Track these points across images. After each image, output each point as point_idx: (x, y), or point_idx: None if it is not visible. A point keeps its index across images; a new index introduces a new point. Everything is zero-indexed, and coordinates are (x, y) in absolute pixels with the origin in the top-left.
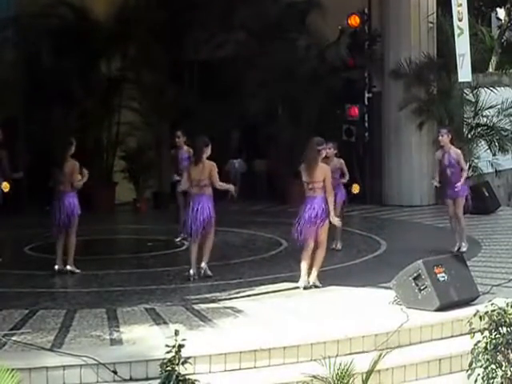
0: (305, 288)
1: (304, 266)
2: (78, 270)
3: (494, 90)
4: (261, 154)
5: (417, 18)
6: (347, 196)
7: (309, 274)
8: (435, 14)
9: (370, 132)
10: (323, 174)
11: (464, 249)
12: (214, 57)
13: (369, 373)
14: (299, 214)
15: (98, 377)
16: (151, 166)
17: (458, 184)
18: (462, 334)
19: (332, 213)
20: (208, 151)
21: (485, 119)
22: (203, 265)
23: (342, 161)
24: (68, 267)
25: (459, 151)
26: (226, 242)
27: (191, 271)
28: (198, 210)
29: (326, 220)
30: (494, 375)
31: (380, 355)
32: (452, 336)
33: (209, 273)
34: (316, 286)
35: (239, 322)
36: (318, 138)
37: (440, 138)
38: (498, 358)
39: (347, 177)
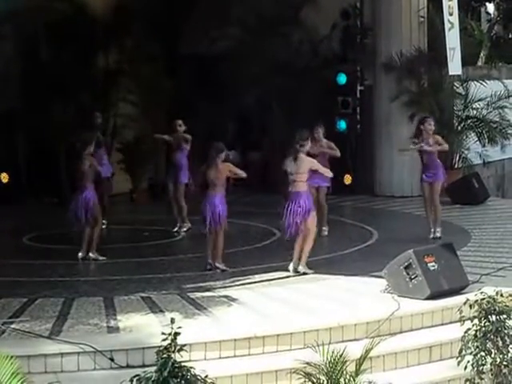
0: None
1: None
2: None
3: (483, 83)
4: (255, 146)
5: (408, 12)
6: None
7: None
8: (426, 9)
9: (361, 124)
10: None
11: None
12: (210, 51)
13: (361, 360)
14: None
15: (96, 364)
16: (147, 157)
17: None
18: (452, 322)
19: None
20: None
21: (474, 111)
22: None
23: None
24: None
25: (331, 143)
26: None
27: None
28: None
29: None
30: (483, 362)
31: (373, 342)
32: (442, 324)
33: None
34: (305, 273)
35: (234, 311)
36: (302, 133)
37: (316, 135)
38: (488, 345)
39: None
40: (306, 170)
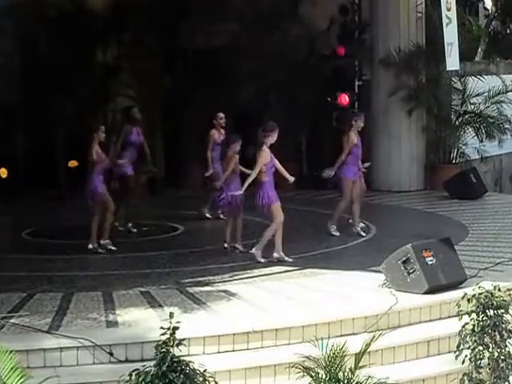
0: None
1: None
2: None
3: (481, 78)
4: (253, 141)
5: (406, 7)
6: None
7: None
8: (424, 4)
9: None
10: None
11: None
12: (208, 45)
13: (360, 354)
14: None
15: (95, 358)
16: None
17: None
18: (449, 317)
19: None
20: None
21: (472, 107)
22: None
23: None
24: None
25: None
26: (220, 227)
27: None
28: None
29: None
30: (481, 356)
31: (372, 337)
32: (440, 318)
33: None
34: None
35: (232, 305)
36: (270, 123)
37: (359, 122)
38: (485, 339)
39: None
40: (260, 163)
